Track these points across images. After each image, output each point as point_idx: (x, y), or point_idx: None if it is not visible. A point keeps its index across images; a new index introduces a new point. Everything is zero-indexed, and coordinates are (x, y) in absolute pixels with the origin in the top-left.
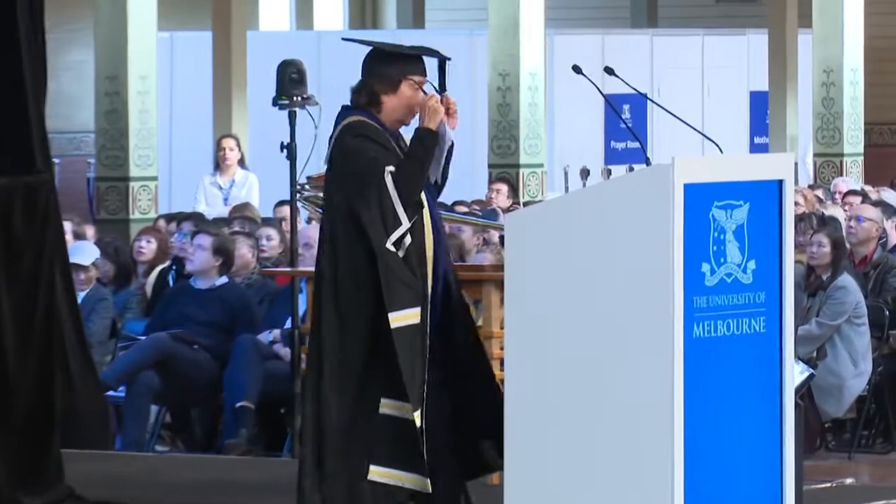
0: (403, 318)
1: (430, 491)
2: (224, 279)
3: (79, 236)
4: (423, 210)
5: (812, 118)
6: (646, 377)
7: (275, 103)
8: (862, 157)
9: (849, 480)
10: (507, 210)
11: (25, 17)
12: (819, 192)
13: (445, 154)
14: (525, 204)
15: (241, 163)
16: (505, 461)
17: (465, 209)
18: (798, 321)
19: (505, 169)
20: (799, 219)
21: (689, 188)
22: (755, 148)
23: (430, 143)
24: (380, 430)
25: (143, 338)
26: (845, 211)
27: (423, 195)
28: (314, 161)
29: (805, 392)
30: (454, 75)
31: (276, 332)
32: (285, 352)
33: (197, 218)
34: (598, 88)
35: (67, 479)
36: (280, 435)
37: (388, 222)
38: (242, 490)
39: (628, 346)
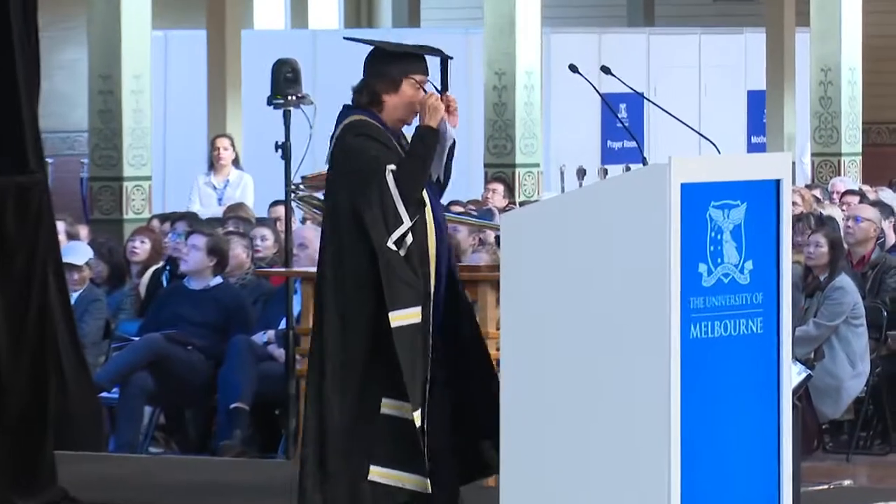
0: (404, 317)
1: (430, 491)
2: (218, 279)
3: (72, 236)
4: (426, 209)
5: (810, 117)
6: (642, 378)
7: (269, 103)
8: (860, 157)
9: (846, 482)
10: (503, 210)
11: (19, 16)
12: (817, 192)
13: (447, 152)
14: (521, 204)
15: (236, 162)
16: (501, 463)
17: (460, 209)
18: (795, 322)
19: (501, 168)
20: (797, 219)
21: (685, 188)
22: (752, 147)
23: (431, 141)
24: (381, 431)
25: (137, 339)
26: (843, 211)
27: (425, 194)
28: (309, 161)
29: (802, 393)
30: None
31: (271, 332)
32: (280, 353)
33: (191, 218)
34: (594, 88)
35: (61, 481)
36: (274, 436)
37: (390, 221)
38: (237, 492)
39: (625, 347)
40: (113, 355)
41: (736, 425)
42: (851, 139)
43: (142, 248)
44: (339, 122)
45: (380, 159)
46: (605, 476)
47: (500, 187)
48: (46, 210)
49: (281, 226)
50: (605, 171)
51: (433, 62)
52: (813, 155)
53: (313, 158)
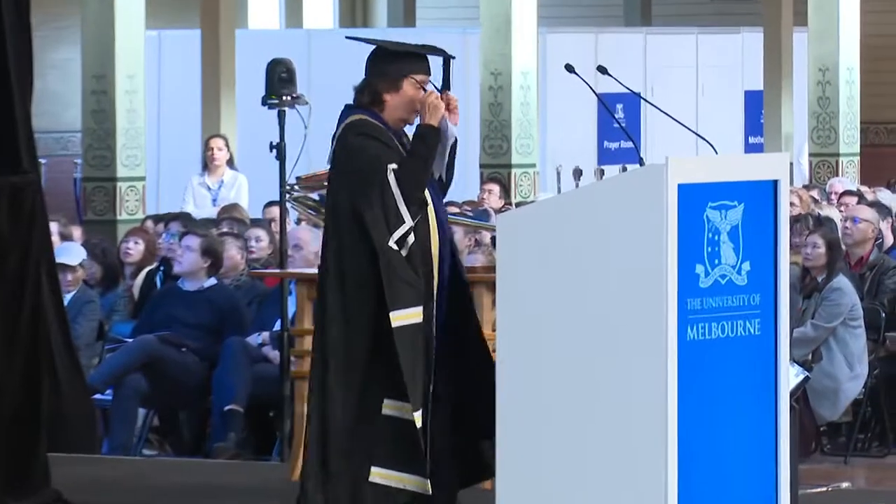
0: (405, 316)
1: (431, 492)
2: (212, 281)
3: (65, 237)
4: (428, 208)
5: (807, 117)
6: (639, 380)
7: (264, 103)
8: (858, 157)
9: (844, 484)
10: (498, 211)
11: (11, 14)
12: (814, 193)
13: (448, 151)
14: (517, 204)
15: (230, 163)
16: (497, 465)
17: (456, 210)
18: (793, 323)
19: (496, 169)
20: (795, 220)
21: (682, 188)
22: (750, 148)
23: (432, 139)
24: (382, 431)
25: (131, 340)
26: (841, 212)
27: (427, 194)
28: (304, 161)
29: (800, 395)
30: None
31: (265, 334)
32: (274, 354)
33: (185, 218)
34: (591, 88)
35: (54, 483)
36: (269, 438)
37: (391, 221)
38: (231, 494)
39: (621, 348)
40: (106, 357)
41: (733, 427)
42: (849, 139)
43: (135, 249)
44: (340, 121)
45: (381, 159)
46: (601, 479)
47: (495, 188)
48: (40, 211)
49: (275, 227)
50: (602, 172)
51: (435, 62)
52: (811, 155)
53: (308, 159)
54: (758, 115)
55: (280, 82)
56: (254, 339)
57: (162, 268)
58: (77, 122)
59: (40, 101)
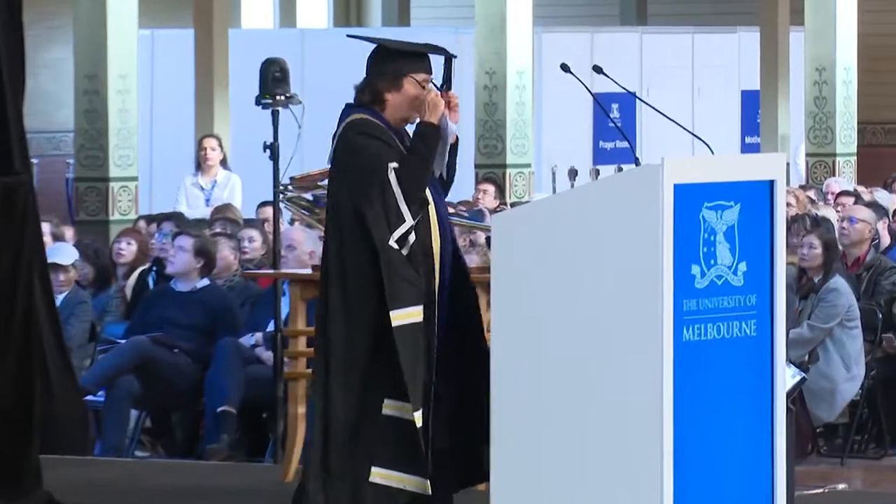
0: (405, 315)
1: (430, 493)
2: (205, 281)
3: (57, 238)
4: (429, 207)
5: (804, 117)
6: (635, 381)
7: (258, 102)
8: (855, 157)
9: (841, 486)
10: (493, 211)
11: (3, 13)
12: (811, 193)
13: (449, 149)
14: (512, 205)
15: (224, 163)
16: (492, 466)
17: (451, 210)
18: (789, 324)
19: (491, 169)
20: (792, 220)
21: (678, 189)
22: (746, 148)
23: (432, 137)
24: (382, 431)
25: (123, 341)
26: (838, 212)
27: (428, 193)
28: (297, 161)
29: (797, 396)
30: (440, 73)
31: (259, 335)
32: (267, 355)
33: (178, 218)
34: (586, 87)
35: (46, 485)
36: (262, 440)
37: (391, 219)
38: (224, 496)
39: (617, 349)
40: (99, 358)
41: (729, 429)
42: (846, 139)
43: (128, 249)
44: (341, 120)
45: (381, 158)
46: (597, 480)
47: (490, 188)
48: (32, 211)
49: (269, 227)
50: (597, 172)
51: (437, 61)
52: (807, 155)
53: (302, 159)
54: (754, 114)
55: (274, 82)
56: (247, 340)
57: (154, 268)
58: (69, 121)
59: (32, 100)
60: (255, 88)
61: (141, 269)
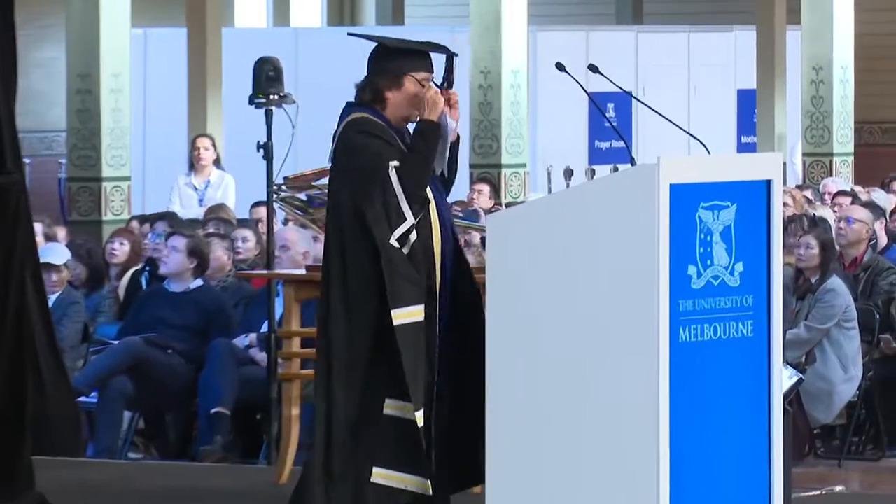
0: (407, 315)
1: (431, 493)
2: (199, 282)
3: (50, 238)
4: (431, 206)
5: (801, 117)
6: (631, 382)
7: (251, 102)
8: (852, 157)
9: (838, 488)
10: (488, 211)
11: None
12: (808, 193)
13: (450, 146)
14: (507, 205)
15: (217, 163)
16: (487, 467)
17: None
18: (786, 325)
19: (486, 169)
20: (789, 220)
21: (674, 188)
22: (743, 147)
23: (432, 135)
24: (384, 431)
25: (116, 342)
26: (835, 212)
27: (430, 192)
28: (291, 161)
29: (794, 398)
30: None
31: (252, 336)
32: (261, 356)
33: (171, 218)
34: (581, 87)
35: (38, 487)
36: (256, 441)
37: (392, 218)
38: (217, 497)
39: (613, 350)
40: (91, 359)
41: (726, 430)
42: (843, 139)
43: (121, 249)
44: (341, 118)
45: (382, 156)
46: (592, 481)
47: (485, 188)
48: (24, 211)
49: (263, 227)
50: (593, 172)
51: (437, 60)
52: (804, 155)
53: (295, 158)
54: (751, 114)
55: (267, 81)
56: (240, 340)
57: (148, 269)
58: (62, 121)
59: (24, 100)
60: (248, 88)
61: (134, 269)
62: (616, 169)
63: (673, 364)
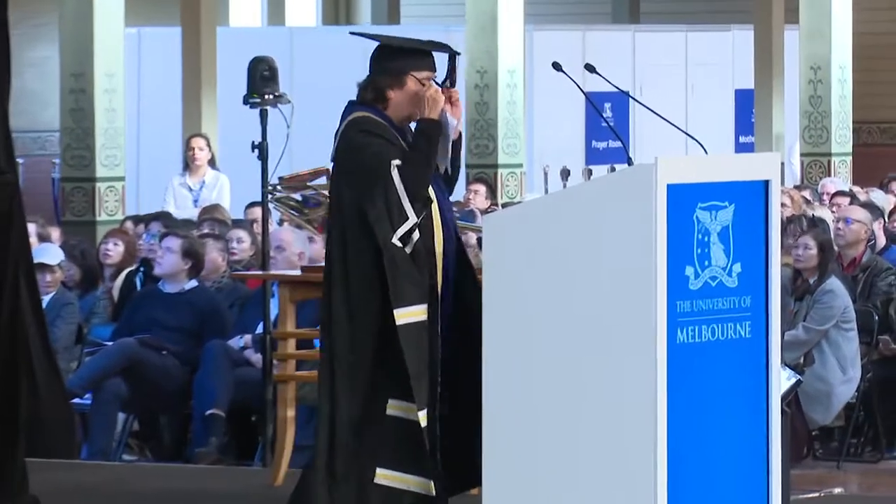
0: (409, 314)
1: (434, 494)
2: (193, 283)
3: (43, 238)
4: (433, 206)
5: (799, 117)
6: (628, 383)
7: (246, 101)
8: (850, 157)
9: (837, 490)
10: (484, 211)
11: None
12: (806, 193)
13: (452, 145)
14: (503, 205)
15: (212, 163)
16: (484, 469)
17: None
18: (785, 326)
19: (483, 169)
20: (788, 220)
21: (672, 189)
22: (740, 147)
23: (433, 134)
24: (387, 432)
25: (110, 343)
26: (833, 212)
27: (432, 191)
28: (286, 161)
29: (792, 399)
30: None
31: (248, 337)
32: (256, 358)
33: (165, 218)
34: (578, 86)
35: (32, 489)
36: (251, 443)
37: (394, 217)
38: (212, 499)
39: (610, 351)
40: (85, 361)
41: (724, 432)
42: (841, 139)
43: (115, 250)
44: (343, 118)
45: (384, 155)
46: (590, 483)
47: (482, 188)
48: (17, 211)
49: (258, 228)
50: (590, 172)
51: (440, 60)
52: (802, 155)
53: (290, 158)
54: (748, 114)
55: (262, 81)
56: (235, 342)
57: (142, 269)
58: (55, 121)
59: (18, 99)
60: (243, 87)
61: (128, 270)
62: (613, 169)
63: (671, 365)
